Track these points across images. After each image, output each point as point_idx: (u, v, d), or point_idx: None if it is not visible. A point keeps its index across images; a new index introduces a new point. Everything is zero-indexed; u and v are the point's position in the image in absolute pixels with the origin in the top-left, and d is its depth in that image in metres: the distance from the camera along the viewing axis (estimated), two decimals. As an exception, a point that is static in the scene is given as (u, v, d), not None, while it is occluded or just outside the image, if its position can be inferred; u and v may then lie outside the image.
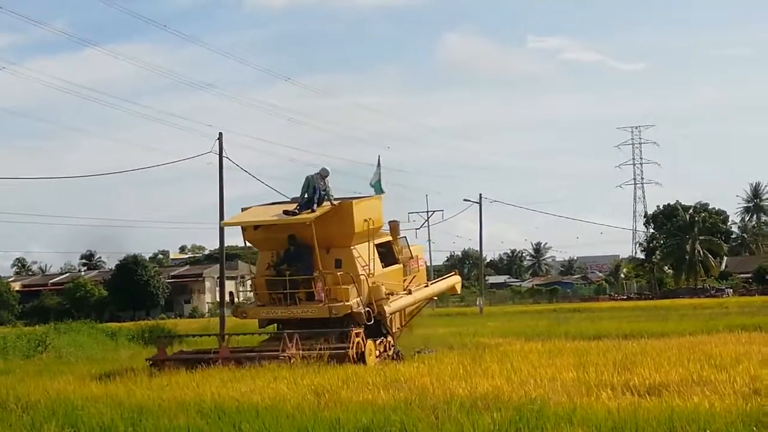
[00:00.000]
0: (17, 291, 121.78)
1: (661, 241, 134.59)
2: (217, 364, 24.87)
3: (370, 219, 29.19)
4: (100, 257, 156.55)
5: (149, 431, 14.68)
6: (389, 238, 31.80)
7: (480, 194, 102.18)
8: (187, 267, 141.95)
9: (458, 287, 37.59)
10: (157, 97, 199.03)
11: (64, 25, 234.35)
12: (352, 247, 28.71)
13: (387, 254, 31.19)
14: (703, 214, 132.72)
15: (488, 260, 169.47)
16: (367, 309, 28.30)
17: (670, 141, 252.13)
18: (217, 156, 53.81)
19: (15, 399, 19.52)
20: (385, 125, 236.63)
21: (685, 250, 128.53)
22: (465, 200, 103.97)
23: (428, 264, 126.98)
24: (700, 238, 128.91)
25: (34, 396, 19.93)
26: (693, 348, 25.79)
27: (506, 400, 16.08)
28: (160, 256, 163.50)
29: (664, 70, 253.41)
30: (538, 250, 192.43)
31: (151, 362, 27.08)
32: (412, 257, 32.98)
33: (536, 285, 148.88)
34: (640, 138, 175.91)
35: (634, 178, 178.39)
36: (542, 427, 13.46)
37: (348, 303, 27.65)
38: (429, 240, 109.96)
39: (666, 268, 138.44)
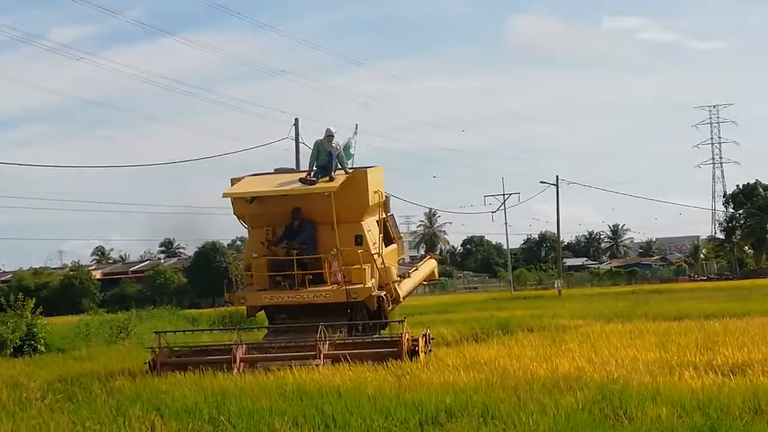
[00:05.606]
0: (98, 279, 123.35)
1: (741, 221, 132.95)
2: (232, 370, 21.15)
3: (378, 191, 25.77)
4: (179, 245, 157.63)
5: (232, 414, 14.78)
6: (384, 214, 27.53)
7: (557, 176, 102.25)
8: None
9: (436, 272, 32.83)
10: (232, 85, 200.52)
11: (141, 15, 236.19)
12: (363, 222, 24.96)
13: (385, 232, 27.20)
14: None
15: (565, 243, 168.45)
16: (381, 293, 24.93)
17: (749, 119, 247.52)
18: (294, 142, 54.29)
19: (99, 384, 19.84)
20: (459, 108, 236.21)
21: (765, 229, 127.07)
22: (542, 182, 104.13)
23: (505, 248, 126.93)
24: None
25: (118, 381, 20.21)
26: (776, 327, 25.51)
27: (588, 380, 16.02)
28: (239, 242, 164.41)
29: (742, 49, 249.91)
30: (616, 231, 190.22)
31: (149, 366, 22.73)
32: (401, 237, 29.80)
33: (615, 267, 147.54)
34: (719, 117, 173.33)
35: (713, 158, 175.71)
36: (626, 406, 13.39)
37: (367, 285, 24.15)
38: (506, 223, 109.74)
39: (746, 248, 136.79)
